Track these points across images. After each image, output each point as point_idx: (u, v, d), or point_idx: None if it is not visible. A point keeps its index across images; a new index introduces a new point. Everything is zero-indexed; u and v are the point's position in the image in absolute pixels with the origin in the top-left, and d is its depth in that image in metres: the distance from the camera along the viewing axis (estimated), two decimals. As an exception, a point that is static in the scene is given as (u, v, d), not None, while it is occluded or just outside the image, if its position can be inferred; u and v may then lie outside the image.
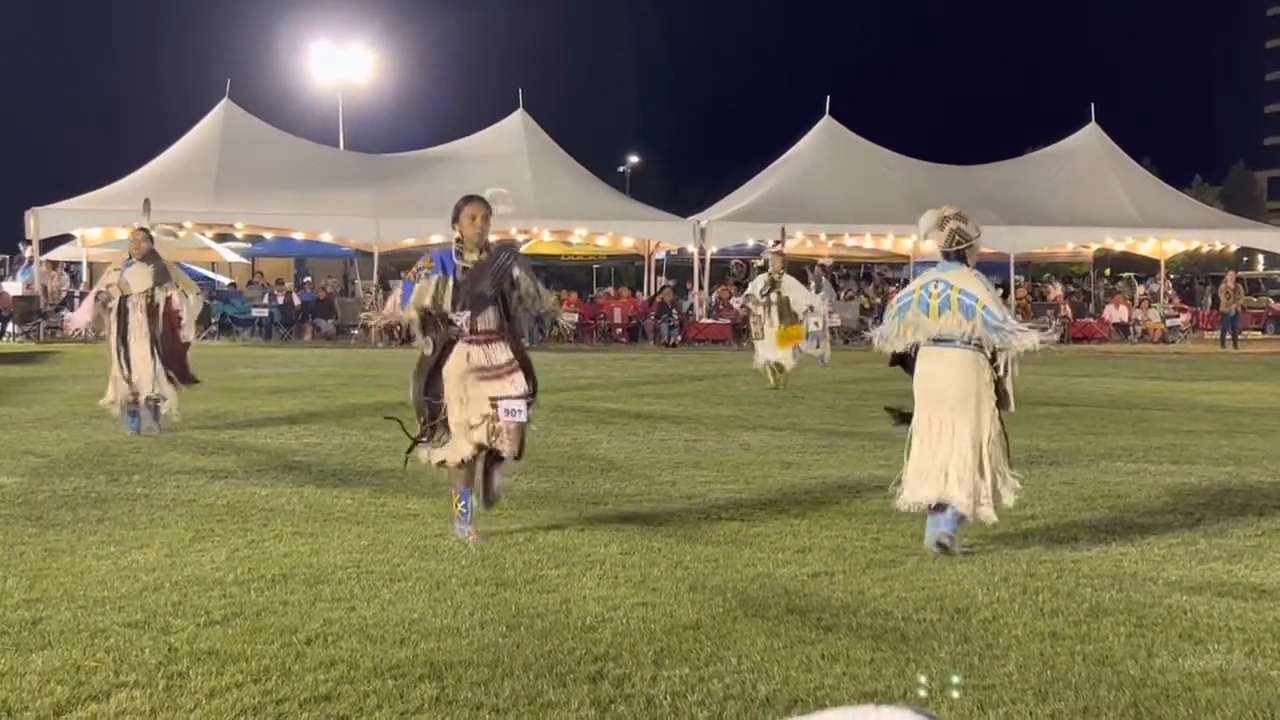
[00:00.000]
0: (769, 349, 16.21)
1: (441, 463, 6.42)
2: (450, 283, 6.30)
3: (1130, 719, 3.95)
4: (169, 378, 10.68)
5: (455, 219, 6.44)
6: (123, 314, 10.67)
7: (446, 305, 6.28)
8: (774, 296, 16.11)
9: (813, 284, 21.16)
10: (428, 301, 6.27)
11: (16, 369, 18.41)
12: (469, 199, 6.49)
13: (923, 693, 4.10)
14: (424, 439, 6.45)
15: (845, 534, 6.62)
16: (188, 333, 10.91)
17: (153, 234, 11.11)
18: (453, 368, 6.34)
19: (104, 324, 10.92)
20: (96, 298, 10.94)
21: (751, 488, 8.09)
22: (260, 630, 4.72)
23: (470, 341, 6.33)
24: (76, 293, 29.31)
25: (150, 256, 10.81)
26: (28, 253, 29.92)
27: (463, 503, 6.43)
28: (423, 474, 8.62)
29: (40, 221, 28.22)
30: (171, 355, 10.74)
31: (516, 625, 4.82)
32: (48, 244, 30.48)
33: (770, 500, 7.64)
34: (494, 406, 6.25)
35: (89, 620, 4.82)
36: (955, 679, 4.18)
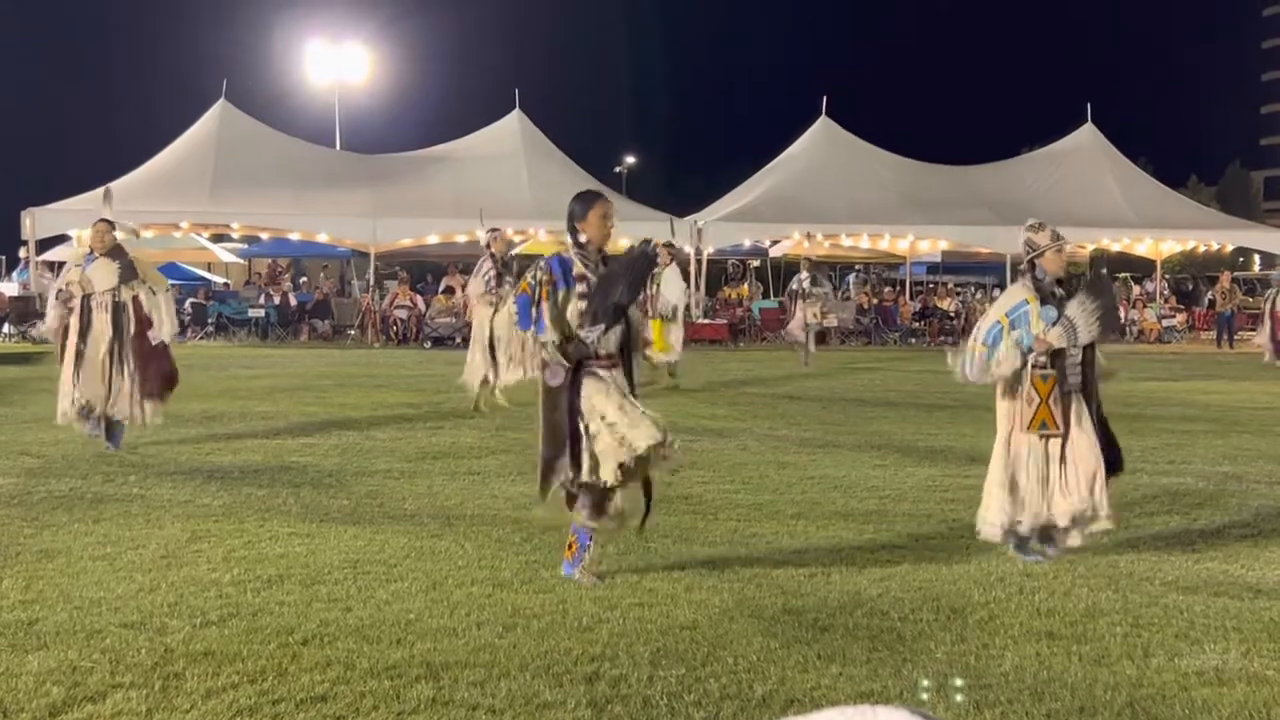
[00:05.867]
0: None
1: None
2: (574, 294, 5.43)
3: (1126, 719, 3.95)
4: (144, 393, 9.53)
5: (578, 219, 5.55)
6: (85, 315, 9.55)
7: (573, 320, 5.44)
8: (653, 289, 14.94)
9: (805, 280, 20.96)
10: (554, 324, 5.40)
11: (13, 369, 18.37)
12: (595, 196, 5.64)
13: (925, 696, 4.10)
14: (567, 481, 5.52)
15: (841, 534, 6.63)
16: (161, 333, 9.65)
17: (117, 227, 9.82)
18: (594, 388, 5.48)
19: (64, 326, 9.71)
20: (57, 296, 9.74)
21: (748, 488, 8.09)
22: (256, 631, 4.72)
23: (593, 369, 5.49)
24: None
25: (116, 252, 9.67)
26: (23, 253, 29.87)
27: (579, 540, 5.60)
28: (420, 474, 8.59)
29: (36, 222, 28.17)
30: (145, 362, 9.56)
31: (513, 625, 4.82)
32: (44, 244, 30.44)
33: (766, 501, 7.64)
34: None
35: (85, 621, 4.82)
36: (959, 686, 4.18)
